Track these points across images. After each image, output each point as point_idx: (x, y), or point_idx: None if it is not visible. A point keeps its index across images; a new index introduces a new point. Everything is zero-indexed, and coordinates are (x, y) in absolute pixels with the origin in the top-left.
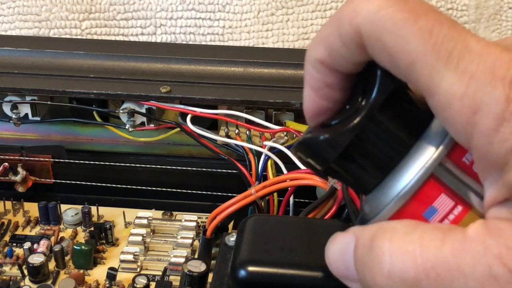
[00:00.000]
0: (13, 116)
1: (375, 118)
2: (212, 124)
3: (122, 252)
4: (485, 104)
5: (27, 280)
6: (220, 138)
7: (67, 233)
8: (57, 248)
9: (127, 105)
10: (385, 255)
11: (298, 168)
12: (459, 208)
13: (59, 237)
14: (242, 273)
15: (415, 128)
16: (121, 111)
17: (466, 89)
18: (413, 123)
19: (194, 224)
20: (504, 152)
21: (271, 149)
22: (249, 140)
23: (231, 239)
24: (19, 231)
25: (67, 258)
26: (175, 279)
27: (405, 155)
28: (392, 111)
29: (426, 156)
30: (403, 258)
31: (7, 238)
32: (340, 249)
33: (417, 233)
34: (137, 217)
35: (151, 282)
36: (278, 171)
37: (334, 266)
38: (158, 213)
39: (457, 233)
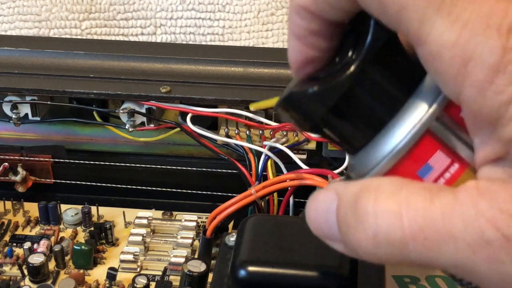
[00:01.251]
0: (13, 116)
1: (367, 71)
2: (212, 124)
3: (122, 252)
4: (478, 54)
5: (27, 280)
6: (220, 138)
7: (67, 233)
8: (57, 248)
9: (127, 105)
10: (370, 216)
11: (298, 168)
12: (456, 166)
13: (59, 237)
14: (242, 273)
15: (409, 82)
16: (121, 111)
17: (458, 38)
18: (407, 76)
19: (194, 224)
20: (498, 106)
21: (271, 149)
22: (249, 140)
23: (231, 239)
24: (19, 231)
25: (67, 258)
26: (175, 279)
27: (399, 111)
28: (385, 64)
29: (421, 110)
30: (389, 219)
31: (7, 238)
32: (322, 208)
33: (403, 193)
34: (137, 217)
35: (151, 282)
36: (278, 171)
37: (315, 226)
38: (158, 213)
39: (447, 194)
